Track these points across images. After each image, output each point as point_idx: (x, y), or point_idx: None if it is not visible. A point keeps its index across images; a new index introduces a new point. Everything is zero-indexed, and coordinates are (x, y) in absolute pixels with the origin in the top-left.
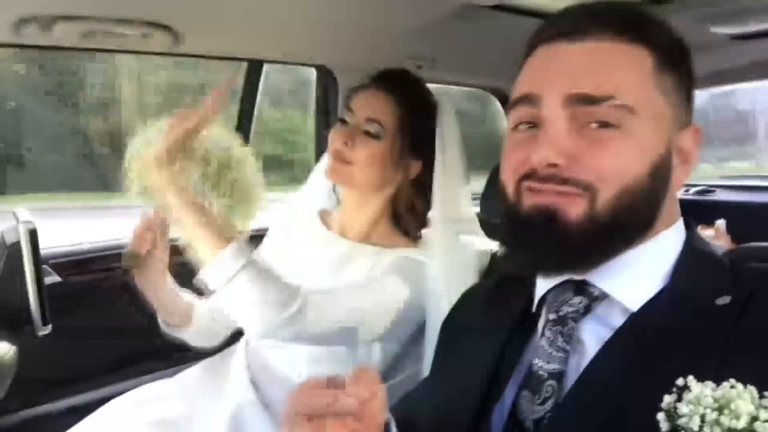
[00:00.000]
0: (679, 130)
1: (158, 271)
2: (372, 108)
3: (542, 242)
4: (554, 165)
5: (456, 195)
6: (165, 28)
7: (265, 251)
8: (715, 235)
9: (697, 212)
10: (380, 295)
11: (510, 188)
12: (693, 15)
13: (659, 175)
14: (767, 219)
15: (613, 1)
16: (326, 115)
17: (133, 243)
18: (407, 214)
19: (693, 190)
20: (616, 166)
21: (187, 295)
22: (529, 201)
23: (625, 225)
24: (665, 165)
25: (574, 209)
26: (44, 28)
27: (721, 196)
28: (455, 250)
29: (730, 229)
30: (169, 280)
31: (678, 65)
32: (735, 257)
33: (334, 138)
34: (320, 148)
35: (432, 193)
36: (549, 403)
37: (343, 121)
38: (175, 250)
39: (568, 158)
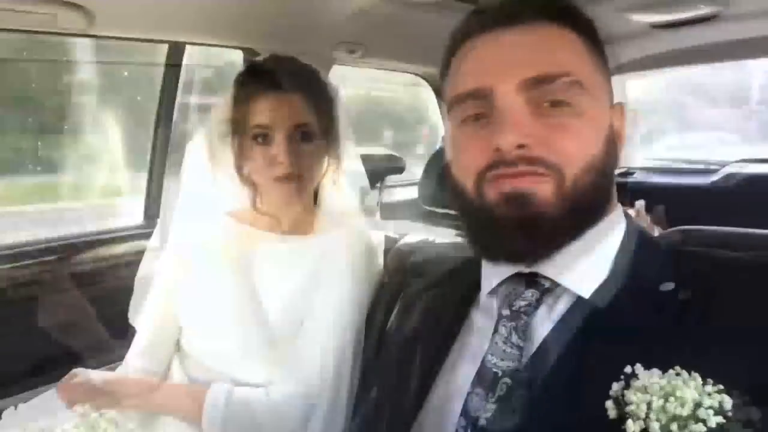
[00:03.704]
0: (611, 107)
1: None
2: (295, 114)
3: (518, 229)
4: (522, 146)
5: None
6: (75, 6)
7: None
8: (636, 216)
9: (618, 194)
10: None
11: (469, 183)
12: (615, 4)
13: (610, 151)
14: (685, 200)
15: None
16: None
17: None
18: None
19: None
20: (578, 146)
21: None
22: (493, 191)
23: (589, 203)
24: (612, 141)
25: (545, 189)
26: None
27: (639, 177)
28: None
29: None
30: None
31: (600, 46)
32: (672, 241)
33: (265, 159)
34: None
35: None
36: (503, 401)
37: (262, 137)
38: None
39: (534, 139)
